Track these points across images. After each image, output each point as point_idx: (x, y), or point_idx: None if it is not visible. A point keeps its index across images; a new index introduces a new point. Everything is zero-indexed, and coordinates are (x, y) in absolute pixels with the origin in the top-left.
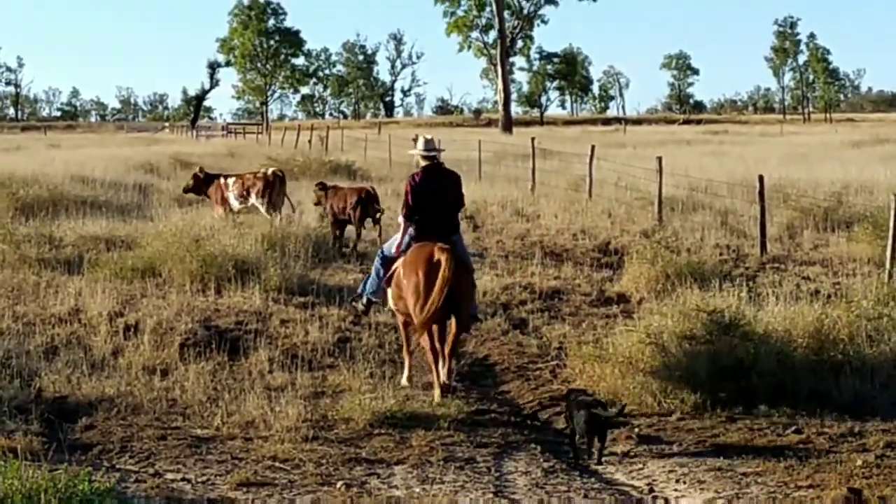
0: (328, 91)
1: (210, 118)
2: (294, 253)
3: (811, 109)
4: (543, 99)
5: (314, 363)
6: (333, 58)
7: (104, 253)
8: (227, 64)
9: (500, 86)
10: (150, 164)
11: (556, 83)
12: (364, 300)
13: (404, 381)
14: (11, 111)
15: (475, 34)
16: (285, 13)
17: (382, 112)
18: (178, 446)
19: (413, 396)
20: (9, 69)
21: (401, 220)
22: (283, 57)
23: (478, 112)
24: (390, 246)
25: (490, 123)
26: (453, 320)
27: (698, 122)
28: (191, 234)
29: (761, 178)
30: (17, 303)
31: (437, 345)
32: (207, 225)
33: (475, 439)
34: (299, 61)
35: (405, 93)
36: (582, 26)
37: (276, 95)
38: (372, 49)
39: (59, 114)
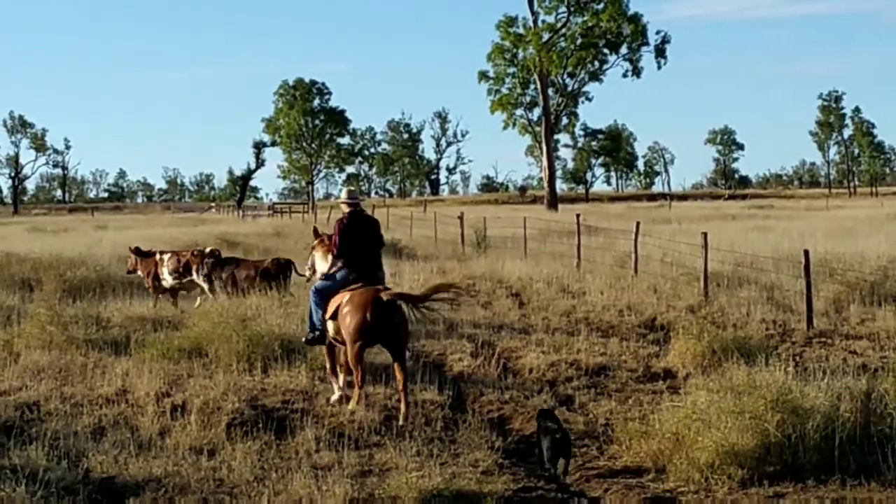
0: (373, 169)
1: (256, 198)
2: None
3: (857, 183)
4: (588, 175)
5: (360, 441)
6: (378, 136)
7: (151, 333)
8: (273, 144)
9: (545, 163)
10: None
11: (601, 159)
12: (314, 333)
13: (335, 398)
14: (59, 193)
15: (519, 112)
16: (330, 93)
17: (428, 190)
18: None
19: (460, 474)
20: (56, 151)
21: (330, 255)
22: (328, 136)
23: (523, 189)
24: (322, 284)
25: (535, 200)
26: (397, 364)
27: (743, 196)
28: (237, 314)
29: (807, 253)
30: (64, 384)
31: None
32: (253, 304)
33: None
34: (344, 140)
35: (450, 171)
36: (626, 102)
37: (322, 174)
38: (417, 127)
39: (105, 195)
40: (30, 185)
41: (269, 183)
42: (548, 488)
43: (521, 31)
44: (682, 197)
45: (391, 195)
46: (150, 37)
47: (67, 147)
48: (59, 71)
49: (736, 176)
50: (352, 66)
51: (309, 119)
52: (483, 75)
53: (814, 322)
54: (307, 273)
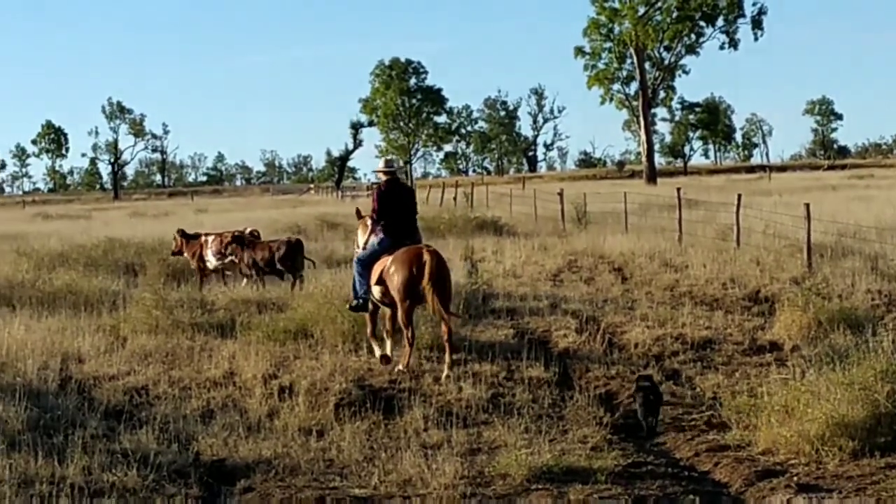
0: (471, 147)
1: (354, 178)
2: None
3: None
4: (686, 149)
5: (469, 419)
6: (475, 114)
7: (256, 316)
8: (370, 124)
9: (643, 137)
10: (297, 226)
11: (698, 132)
12: (357, 300)
13: (380, 353)
14: (158, 177)
15: (616, 86)
16: (426, 72)
17: (525, 167)
18: None
19: (569, 450)
20: (154, 136)
21: (369, 222)
22: (425, 115)
23: (621, 164)
24: (364, 253)
25: (633, 175)
26: (443, 318)
27: (843, 166)
28: (341, 295)
29: None
30: (172, 367)
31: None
32: None
33: (633, 492)
34: (441, 119)
35: (548, 147)
36: (723, 75)
37: (420, 153)
38: (513, 104)
39: (204, 179)
40: (129, 171)
41: (366, 163)
42: (657, 463)
43: (616, 5)
44: (781, 168)
45: (488, 173)
46: (246, 20)
47: (166, 132)
48: (157, 56)
49: (835, 146)
50: (448, 44)
51: (406, 98)
52: (579, 51)
53: None
54: (357, 251)
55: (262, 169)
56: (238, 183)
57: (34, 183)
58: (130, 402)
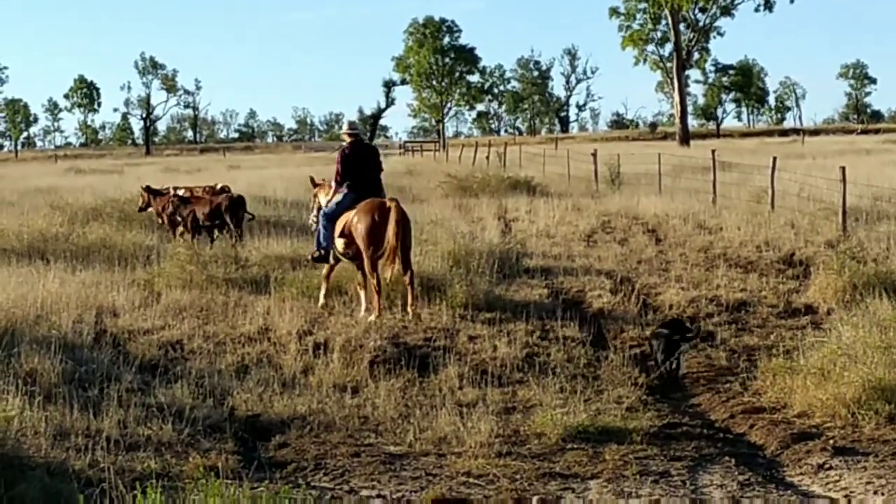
0: (503, 107)
1: (386, 137)
2: (478, 269)
3: None
4: (719, 111)
5: (503, 378)
6: (508, 74)
7: (290, 272)
8: (403, 82)
9: (677, 98)
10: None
11: (731, 95)
12: (320, 251)
13: (363, 313)
14: (190, 133)
15: (651, 48)
16: (460, 30)
17: (558, 127)
18: (371, 463)
19: (604, 410)
20: (187, 92)
21: (333, 184)
22: (458, 74)
23: (653, 126)
24: (329, 207)
25: (666, 137)
26: (403, 265)
27: (876, 131)
28: None
29: None
30: (206, 322)
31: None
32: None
33: (668, 452)
34: (474, 78)
35: (580, 108)
36: (758, 37)
37: (452, 113)
38: (546, 65)
39: (236, 135)
40: (161, 126)
41: (398, 122)
42: (692, 424)
43: None
44: (814, 132)
45: (521, 133)
46: None
47: (198, 88)
48: (189, 12)
49: (868, 110)
50: (482, 4)
51: (439, 57)
52: (614, 11)
53: None
54: (312, 219)
55: (294, 126)
56: (269, 140)
57: (66, 137)
58: (165, 356)
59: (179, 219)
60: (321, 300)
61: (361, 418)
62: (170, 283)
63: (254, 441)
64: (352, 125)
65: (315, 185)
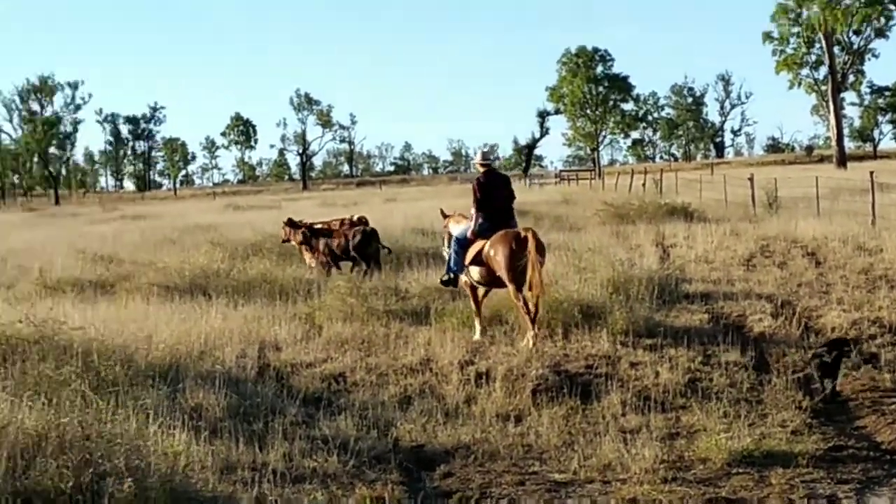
0: (658, 134)
1: (541, 166)
2: (638, 295)
3: None
4: (876, 133)
5: (666, 404)
6: (662, 101)
7: (450, 303)
8: (557, 112)
9: (833, 121)
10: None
11: (888, 116)
12: (449, 275)
13: (477, 337)
14: (346, 168)
15: (805, 71)
16: (612, 59)
17: (713, 153)
18: (536, 491)
19: (769, 434)
20: (342, 127)
21: (472, 211)
22: (611, 103)
23: (809, 149)
24: (463, 232)
25: (822, 160)
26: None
27: None
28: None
29: None
30: (368, 354)
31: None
32: (550, 272)
33: (835, 475)
34: (628, 106)
35: (735, 133)
36: None
37: (607, 141)
38: (700, 91)
39: (391, 168)
40: (317, 161)
41: (553, 151)
42: (858, 447)
43: None
44: None
45: (676, 159)
46: (428, 8)
47: (353, 122)
48: (343, 46)
49: None
50: (633, 32)
51: (592, 86)
52: (767, 36)
53: None
54: (444, 250)
55: (449, 158)
56: (425, 172)
57: (223, 174)
58: (328, 388)
59: (314, 251)
60: (476, 334)
61: (525, 446)
62: (331, 316)
63: (418, 471)
64: (485, 156)
65: (445, 216)
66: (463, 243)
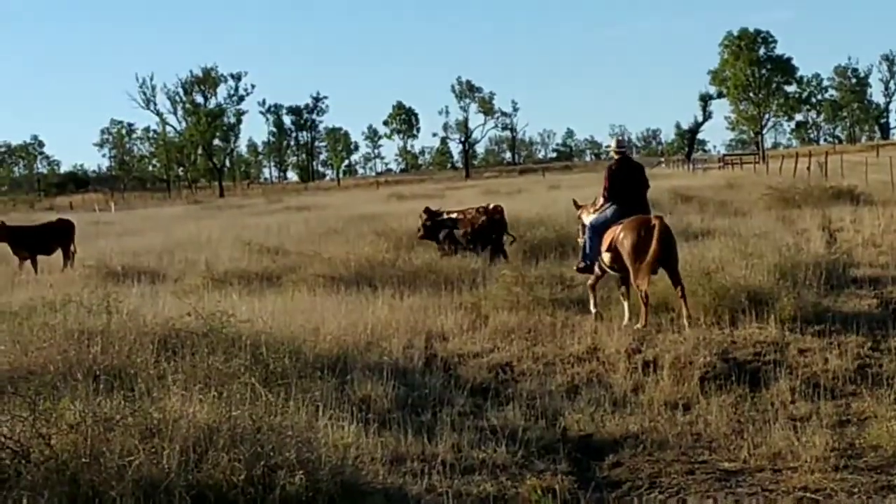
0: (822, 117)
1: (704, 150)
2: (805, 281)
3: None
4: None
5: (836, 391)
6: (825, 83)
7: (615, 290)
8: (720, 95)
9: None
10: (650, 200)
11: None
12: (586, 262)
13: (626, 322)
14: (508, 155)
15: None
16: (775, 41)
17: (878, 134)
18: (706, 480)
19: None
20: (504, 114)
21: (600, 200)
22: (775, 85)
23: None
24: (597, 220)
25: None
26: (674, 279)
27: None
28: (700, 268)
29: None
30: (534, 344)
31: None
32: (715, 257)
33: None
34: (791, 88)
35: None
36: None
37: (770, 124)
38: (864, 72)
39: (554, 155)
40: (479, 149)
41: (715, 135)
42: None
43: None
44: None
45: (840, 142)
46: None
47: (515, 109)
48: (503, 34)
49: None
50: (796, 12)
51: (755, 69)
52: None
53: None
54: (579, 240)
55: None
56: (588, 158)
57: (386, 164)
58: (495, 378)
59: (440, 239)
60: (593, 311)
61: (694, 435)
62: (496, 306)
63: (587, 461)
64: (619, 143)
65: (578, 207)
66: (597, 230)
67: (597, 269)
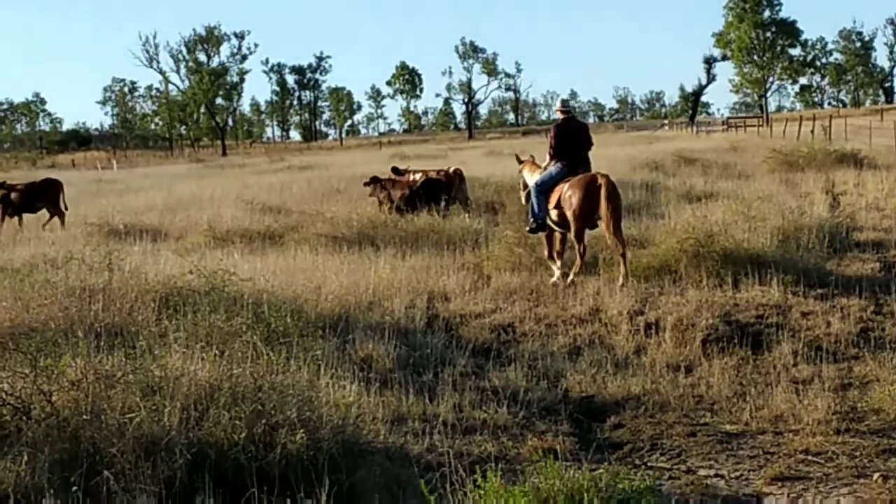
0: (826, 80)
1: (707, 113)
2: (808, 244)
3: None
4: None
5: (838, 354)
6: (830, 46)
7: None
8: (724, 58)
9: None
10: (654, 162)
11: None
12: (537, 221)
13: (555, 279)
14: (511, 116)
15: None
16: (780, 3)
17: (882, 98)
18: (708, 442)
19: None
20: (507, 75)
21: (548, 157)
22: (779, 48)
23: None
24: (542, 178)
25: None
26: (615, 237)
27: None
28: (703, 230)
29: None
30: (537, 305)
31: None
32: (719, 220)
33: None
34: (796, 51)
35: None
36: None
37: (774, 87)
38: (869, 35)
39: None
40: (483, 110)
41: (719, 98)
42: None
43: None
44: None
45: (844, 105)
46: None
47: (518, 70)
48: None
49: None
50: None
51: (760, 31)
52: None
53: None
54: (522, 194)
55: (615, 106)
56: (591, 120)
57: (389, 124)
58: (497, 339)
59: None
60: (555, 272)
61: (696, 397)
62: (499, 266)
63: (588, 422)
64: (564, 103)
65: (520, 162)
66: (543, 189)
67: (549, 226)
